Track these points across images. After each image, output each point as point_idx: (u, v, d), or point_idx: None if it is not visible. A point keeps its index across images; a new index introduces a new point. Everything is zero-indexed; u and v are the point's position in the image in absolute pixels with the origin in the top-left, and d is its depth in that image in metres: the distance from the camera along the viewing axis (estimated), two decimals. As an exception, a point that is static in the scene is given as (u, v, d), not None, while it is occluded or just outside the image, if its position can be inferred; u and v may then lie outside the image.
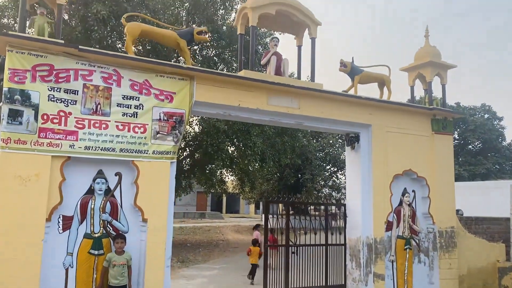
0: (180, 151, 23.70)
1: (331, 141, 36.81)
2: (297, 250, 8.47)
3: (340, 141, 39.15)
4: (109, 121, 6.35)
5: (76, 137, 6.10)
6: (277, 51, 8.21)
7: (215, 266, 15.63)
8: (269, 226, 8.36)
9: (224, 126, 19.19)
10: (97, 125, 6.25)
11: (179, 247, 21.26)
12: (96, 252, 6.23)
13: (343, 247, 8.92)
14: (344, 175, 40.56)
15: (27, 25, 6.19)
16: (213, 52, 19.06)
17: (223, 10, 18.55)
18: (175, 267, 15.01)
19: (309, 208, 10.00)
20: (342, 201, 9.34)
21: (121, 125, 6.42)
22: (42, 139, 5.85)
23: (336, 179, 39.17)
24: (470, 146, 36.48)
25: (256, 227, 14.73)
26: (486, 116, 36.74)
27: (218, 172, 24.71)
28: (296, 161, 27.69)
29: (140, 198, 6.43)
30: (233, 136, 20.43)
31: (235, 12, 18.95)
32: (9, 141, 5.65)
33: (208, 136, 19.57)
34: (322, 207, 9.17)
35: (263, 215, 8.42)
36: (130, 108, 6.52)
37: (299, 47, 8.54)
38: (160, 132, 6.69)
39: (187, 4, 17.80)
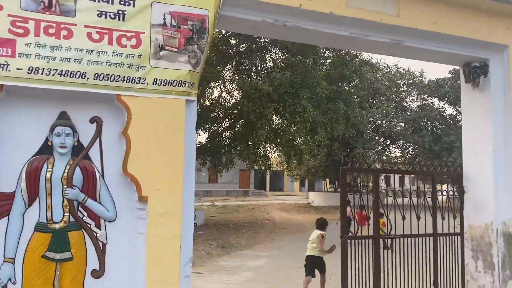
0: (218, 121, 21.09)
1: (384, 111, 33.24)
2: (391, 244, 5.50)
3: (395, 110, 35.33)
4: (75, 24, 3.54)
5: (13, 51, 3.35)
6: None
7: (263, 253, 13.03)
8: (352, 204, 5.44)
9: (268, 88, 16.50)
10: (51, 30, 3.47)
11: (221, 227, 19.08)
12: (57, 256, 3.50)
13: (459, 238, 5.85)
14: (398, 148, 37.14)
15: None
16: None
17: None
18: (214, 254, 12.51)
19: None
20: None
21: (97, 32, 3.60)
22: None
23: (389, 154, 35.84)
24: None
25: (348, 203, 11.81)
26: None
27: (261, 147, 22.22)
28: (350, 132, 24.56)
29: (133, 160, 3.64)
30: (279, 101, 17.59)
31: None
32: None
33: (250, 101, 16.94)
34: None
35: (340, 188, 5.39)
36: (112, 3, 3.69)
37: None
38: (167, 47, 3.82)
39: None
